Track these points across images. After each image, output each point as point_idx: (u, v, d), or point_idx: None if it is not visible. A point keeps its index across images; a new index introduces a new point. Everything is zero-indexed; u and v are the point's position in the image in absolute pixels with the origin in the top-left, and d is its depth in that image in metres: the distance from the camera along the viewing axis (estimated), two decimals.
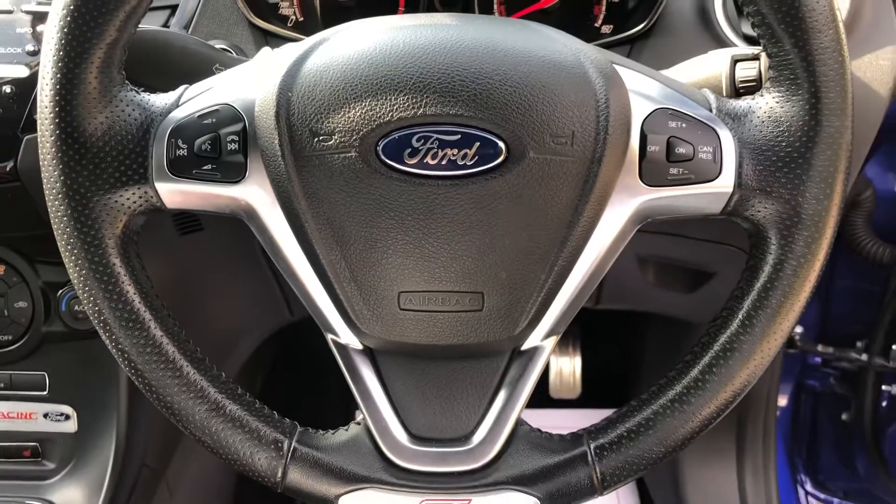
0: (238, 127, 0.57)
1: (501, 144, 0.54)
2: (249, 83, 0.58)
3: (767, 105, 0.58)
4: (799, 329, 1.44)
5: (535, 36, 0.58)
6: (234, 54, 0.85)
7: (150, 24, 0.88)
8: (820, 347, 1.43)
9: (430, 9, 0.91)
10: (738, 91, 0.69)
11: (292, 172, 0.55)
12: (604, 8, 0.91)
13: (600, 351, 1.59)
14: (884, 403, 1.36)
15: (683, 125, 0.57)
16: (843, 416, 1.44)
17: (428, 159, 0.54)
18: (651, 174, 0.57)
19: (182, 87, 0.60)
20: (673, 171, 0.57)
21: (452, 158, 0.54)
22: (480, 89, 0.54)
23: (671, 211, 0.59)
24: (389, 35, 0.56)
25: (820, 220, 0.56)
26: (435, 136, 0.54)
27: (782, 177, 0.57)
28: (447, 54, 0.55)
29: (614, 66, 0.58)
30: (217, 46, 0.84)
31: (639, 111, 0.57)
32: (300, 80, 0.56)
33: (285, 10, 0.92)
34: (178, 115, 0.58)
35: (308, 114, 0.55)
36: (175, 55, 0.71)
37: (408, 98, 0.54)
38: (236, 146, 0.57)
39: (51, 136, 0.56)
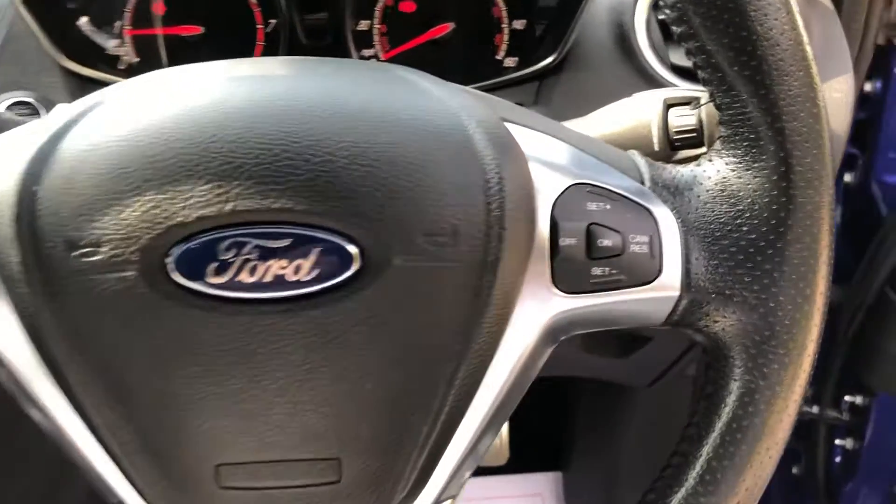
0: None
1: (353, 249, 0.37)
2: None
3: (719, 174, 0.42)
4: None
5: (401, 89, 0.41)
6: (41, 110, 0.67)
7: None
8: None
9: (294, 42, 0.74)
10: (672, 144, 0.54)
11: (42, 302, 0.37)
12: (506, 37, 0.76)
13: (529, 412, 1.44)
14: (837, 459, 1.24)
15: (607, 206, 0.41)
16: (794, 470, 1.32)
17: (244, 276, 0.37)
18: (567, 277, 0.41)
19: None
20: (597, 271, 0.41)
21: (280, 273, 0.37)
22: (318, 171, 0.37)
23: (597, 323, 0.43)
24: (190, 93, 0.39)
25: (799, 331, 0.41)
26: (253, 241, 0.37)
27: (745, 274, 0.41)
28: (271, 120, 0.38)
29: (508, 125, 0.42)
30: (12, 102, 0.66)
31: (546, 190, 0.41)
32: (54, 166, 0.38)
33: (114, 49, 0.74)
34: None
35: (62, 216, 0.37)
36: None
37: (211, 187, 0.37)
38: None
39: None
